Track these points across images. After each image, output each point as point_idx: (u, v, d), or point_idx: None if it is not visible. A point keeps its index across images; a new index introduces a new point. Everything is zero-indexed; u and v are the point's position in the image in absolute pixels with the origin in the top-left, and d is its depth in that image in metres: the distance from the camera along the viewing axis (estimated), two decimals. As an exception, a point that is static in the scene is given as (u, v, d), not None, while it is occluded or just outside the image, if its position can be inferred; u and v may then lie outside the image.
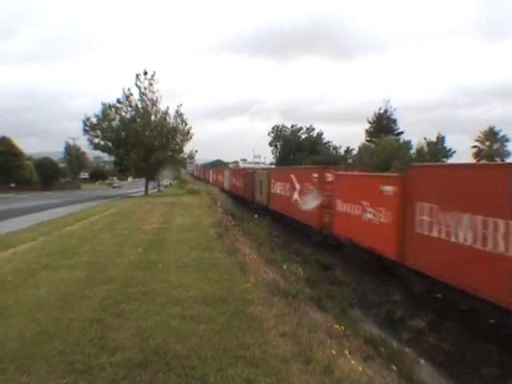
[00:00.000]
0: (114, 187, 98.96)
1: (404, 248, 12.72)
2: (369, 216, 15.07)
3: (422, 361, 8.97)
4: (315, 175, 20.97)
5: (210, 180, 79.02)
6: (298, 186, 23.67)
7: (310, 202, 19.17)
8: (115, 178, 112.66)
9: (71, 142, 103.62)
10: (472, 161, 67.32)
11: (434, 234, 11.26)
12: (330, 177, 19.66)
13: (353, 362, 6.13)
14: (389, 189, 13.81)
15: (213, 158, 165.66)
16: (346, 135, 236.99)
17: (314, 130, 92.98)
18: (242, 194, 41.07)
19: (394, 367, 7.15)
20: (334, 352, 6.19)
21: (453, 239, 10.44)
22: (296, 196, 23.76)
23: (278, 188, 28.04)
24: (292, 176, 24.90)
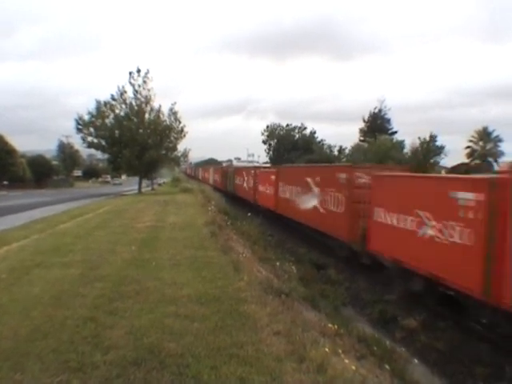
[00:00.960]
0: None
1: (277, 205, 26.12)
2: (267, 191, 28.91)
3: (415, 360, 9.00)
4: (252, 171, 35.30)
5: (200, 177, 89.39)
6: (246, 178, 37.59)
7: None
8: (109, 176, 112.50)
9: (64, 140, 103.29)
10: (465, 160, 67.97)
11: (285, 196, 24.45)
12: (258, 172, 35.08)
13: (346, 361, 6.15)
14: (273, 177, 27.58)
15: (209, 156, 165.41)
16: (347, 134, 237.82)
17: (306, 128, 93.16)
18: (219, 186, 54.27)
19: (387, 366, 7.17)
20: (327, 351, 6.23)
21: (287, 197, 23.79)
22: (245, 184, 37.75)
23: (238, 180, 41.88)
24: (244, 172, 39.09)
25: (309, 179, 20.02)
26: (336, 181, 16.69)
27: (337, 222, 16.59)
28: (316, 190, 19.18)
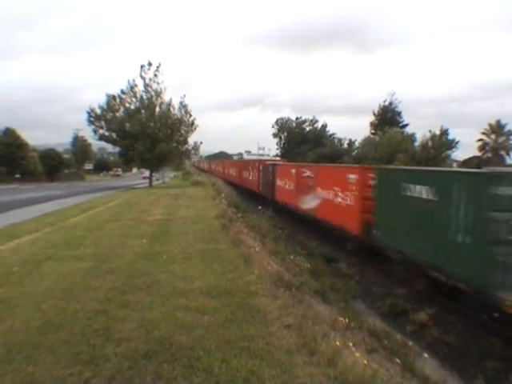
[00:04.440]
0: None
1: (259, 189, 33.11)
2: (250, 178, 37.46)
3: (426, 354, 8.98)
4: (219, 162, 78.13)
5: (201, 167, 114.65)
6: (214, 166, 79.78)
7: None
8: (119, 169, 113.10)
9: (76, 133, 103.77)
10: (477, 154, 67.63)
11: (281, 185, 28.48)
12: (215, 163, 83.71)
13: (357, 355, 6.14)
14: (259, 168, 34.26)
15: (223, 149, 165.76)
16: (362, 127, 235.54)
17: (317, 121, 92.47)
18: (208, 170, 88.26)
19: (398, 360, 7.17)
20: (338, 344, 6.20)
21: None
22: (214, 167, 78.81)
23: (213, 166, 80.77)
24: (215, 163, 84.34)
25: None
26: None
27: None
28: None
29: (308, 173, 22.59)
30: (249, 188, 39.26)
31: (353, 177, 16.61)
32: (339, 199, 17.60)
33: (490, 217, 9.63)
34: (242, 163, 48.68)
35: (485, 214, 9.74)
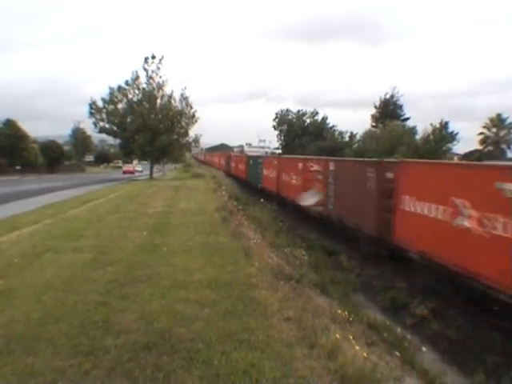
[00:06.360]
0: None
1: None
2: (224, 163, 63.57)
3: (426, 348, 8.98)
4: (211, 154, 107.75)
5: (199, 158, 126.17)
6: (208, 157, 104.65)
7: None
8: (120, 161, 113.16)
9: (77, 125, 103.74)
10: (479, 147, 67.66)
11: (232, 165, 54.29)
12: (209, 155, 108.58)
13: (357, 348, 6.14)
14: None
15: (225, 142, 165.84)
16: (364, 120, 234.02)
17: (317, 114, 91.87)
18: (204, 161, 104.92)
19: (398, 353, 7.17)
20: (338, 337, 6.19)
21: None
22: (208, 158, 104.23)
23: (207, 157, 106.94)
24: (209, 155, 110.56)
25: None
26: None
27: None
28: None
29: (237, 158, 50.07)
30: (224, 169, 60.06)
31: (243, 159, 44.44)
32: (242, 167, 43.23)
33: (260, 169, 34.50)
34: (222, 155, 74.90)
35: (259, 169, 34.91)
